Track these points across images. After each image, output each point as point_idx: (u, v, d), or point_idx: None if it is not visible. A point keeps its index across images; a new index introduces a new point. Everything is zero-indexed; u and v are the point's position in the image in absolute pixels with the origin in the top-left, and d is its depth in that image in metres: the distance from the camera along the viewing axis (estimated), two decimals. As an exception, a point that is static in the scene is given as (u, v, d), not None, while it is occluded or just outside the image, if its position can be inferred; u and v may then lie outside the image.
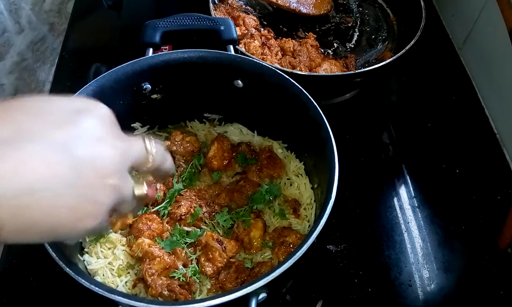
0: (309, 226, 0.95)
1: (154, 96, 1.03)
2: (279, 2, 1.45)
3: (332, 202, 0.75)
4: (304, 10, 1.46)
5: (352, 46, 1.42)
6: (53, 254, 0.70)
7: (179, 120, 1.13)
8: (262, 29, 1.41)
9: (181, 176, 1.01)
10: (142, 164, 0.57)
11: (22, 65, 2.53)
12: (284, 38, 1.35)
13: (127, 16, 1.57)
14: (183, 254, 0.88)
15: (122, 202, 0.52)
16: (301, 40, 1.37)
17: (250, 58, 1.01)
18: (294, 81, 0.93)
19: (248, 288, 0.66)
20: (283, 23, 1.47)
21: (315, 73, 1.24)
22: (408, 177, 1.19)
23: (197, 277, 0.86)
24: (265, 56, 1.27)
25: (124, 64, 0.95)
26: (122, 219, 0.70)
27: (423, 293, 0.98)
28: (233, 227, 0.94)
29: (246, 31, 1.36)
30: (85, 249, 0.91)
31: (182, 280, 0.85)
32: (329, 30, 1.47)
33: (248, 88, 1.01)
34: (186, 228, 0.92)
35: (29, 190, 0.41)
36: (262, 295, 0.70)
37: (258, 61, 1.00)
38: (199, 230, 0.92)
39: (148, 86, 0.99)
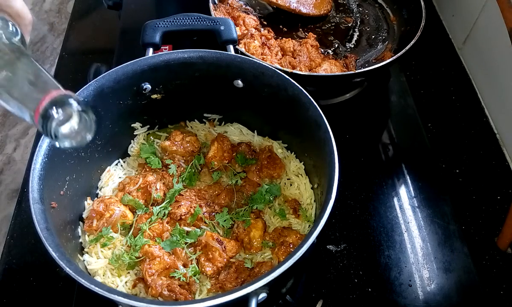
0: (309, 226, 0.95)
1: (154, 96, 1.03)
2: (279, 2, 1.45)
3: (332, 202, 0.75)
4: (304, 10, 1.46)
5: (352, 46, 1.42)
6: (53, 254, 0.70)
7: (179, 120, 1.13)
8: (262, 29, 1.41)
9: (181, 176, 1.01)
10: None
11: (22, 65, 2.52)
12: (284, 38, 1.35)
13: (127, 16, 1.57)
14: (183, 254, 0.88)
15: None
16: (301, 40, 1.37)
17: (250, 58, 1.01)
18: (294, 81, 0.93)
19: (248, 288, 0.66)
20: (283, 23, 1.47)
21: (315, 73, 1.24)
22: (408, 177, 1.19)
23: (197, 277, 0.86)
24: (265, 56, 1.27)
25: (124, 64, 0.95)
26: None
27: (423, 293, 0.98)
28: (233, 227, 0.94)
29: (246, 31, 1.36)
30: (85, 249, 0.91)
31: (182, 280, 0.85)
32: (329, 30, 1.47)
33: (248, 88, 1.01)
34: (186, 228, 0.92)
35: None
36: (262, 295, 0.70)
37: (258, 61, 1.00)
38: (199, 230, 0.92)
39: (148, 86, 0.99)
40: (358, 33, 1.46)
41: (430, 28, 1.31)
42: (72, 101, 0.62)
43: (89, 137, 0.67)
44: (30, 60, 0.65)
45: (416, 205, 1.13)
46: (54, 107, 0.61)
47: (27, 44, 0.69)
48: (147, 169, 1.02)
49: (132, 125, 1.07)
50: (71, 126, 0.64)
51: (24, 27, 0.70)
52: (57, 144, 0.64)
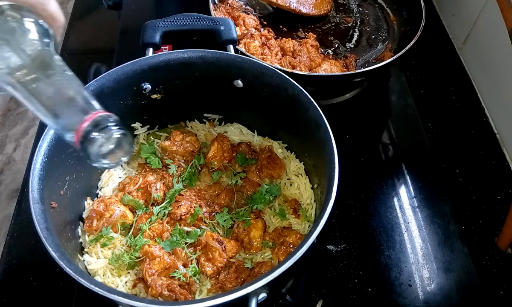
0: (309, 226, 0.95)
1: (154, 96, 1.03)
2: (279, 2, 1.45)
3: (332, 202, 0.75)
4: (304, 10, 1.46)
5: (352, 46, 1.42)
6: (54, 254, 0.70)
7: (179, 120, 1.13)
8: (262, 29, 1.41)
9: (181, 176, 1.01)
10: None
11: (22, 65, 2.52)
12: (284, 38, 1.35)
13: (127, 16, 1.57)
14: (183, 254, 0.88)
15: None
16: (301, 40, 1.37)
17: (250, 58, 1.01)
18: (294, 81, 0.93)
19: (248, 288, 0.66)
20: (283, 23, 1.47)
21: (315, 73, 1.24)
22: (408, 177, 1.19)
23: (197, 277, 0.86)
24: (265, 56, 1.27)
25: (124, 64, 0.95)
26: None
27: (423, 293, 0.98)
28: (233, 227, 0.94)
29: (246, 31, 1.36)
30: (85, 249, 0.91)
31: (182, 280, 0.85)
32: (329, 30, 1.47)
33: (248, 88, 1.01)
34: (186, 228, 0.92)
35: None
36: (262, 295, 0.70)
37: (258, 61, 1.00)
38: (199, 230, 0.92)
39: (148, 86, 0.99)
40: (358, 33, 1.46)
41: (430, 28, 1.31)
42: (112, 124, 0.63)
43: (125, 159, 0.69)
44: (69, 75, 0.64)
45: (416, 205, 1.13)
46: (95, 130, 0.62)
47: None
48: (147, 169, 1.02)
49: (132, 125, 1.07)
50: (110, 148, 0.65)
51: (56, 30, 0.69)
52: (93, 164, 0.65)
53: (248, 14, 1.46)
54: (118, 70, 0.94)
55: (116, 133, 0.64)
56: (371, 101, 1.37)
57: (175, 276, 0.85)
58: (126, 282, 0.87)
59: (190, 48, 0.99)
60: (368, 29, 1.48)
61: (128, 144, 0.67)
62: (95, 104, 0.64)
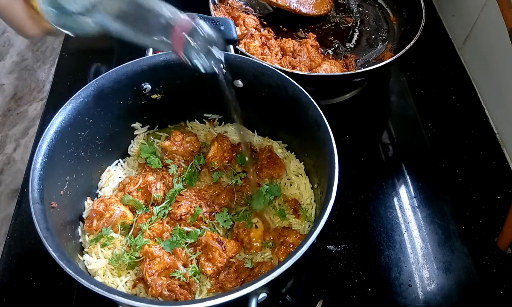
0: (309, 226, 0.95)
1: (154, 96, 1.03)
2: (279, 2, 1.45)
3: (332, 202, 0.75)
4: (304, 10, 1.46)
5: (352, 46, 1.42)
6: (53, 254, 0.70)
7: (179, 120, 1.13)
8: (262, 29, 1.41)
9: (181, 176, 1.01)
10: None
11: (22, 65, 2.53)
12: (284, 38, 1.35)
13: (127, 16, 1.57)
14: (183, 254, 0.88)
15: None
16: (301, 40, 1.37)
17: (250, 58, 1.01)
18: (294, 81, 0.93)
19: (248, 288, 0.66)
20: (283, 23, 1.47)
21: (315, 73, 1.24)
22: (408, 177, 1.19)
23: (197, 277, 0.86)
24: (265, 56, 1.27)
25: (124, 64, 0.95)
26: None
27: (423, 293, 0.98)
28: (233, 227, 0.94)
29: (246, 31, 1.36)
30: (85, 249, 0.91)
31: (182, 280, 0.85)
32: (329, 30, 1.47)
33: (248, 88, 1.01)
34: (186, 228, 0.92)
35: None
36: (262, 295, 0.70)
37: (258, 61, 1.00)
38: (199, 230, 0.92)
39: (148, 86, 0.99)
40: (358, 33, 1.46)
41: (430, 28, 1.31)
42: (203, 28, 0.74)
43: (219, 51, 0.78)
44: None
45: (416, 205, 1.13)
46: (193, 38, 0.73)
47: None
48: (147, 169, 1.02)
49: (132, 125, 1.07)
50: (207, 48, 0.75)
51: None
52: (203, 70, 0.77)
53: (248, 14, 1.46)
54: (118, 70, 0.94)
55: (209, 32, 0.74)
56: (371, 101, 1.37)
57: (175, 276, 0.85)
58: (126, 282, 0.87)
59: (190, 48, 0.99)
60: (368, 29, 1.48)
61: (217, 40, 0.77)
62: (181, 14, 0.72)
